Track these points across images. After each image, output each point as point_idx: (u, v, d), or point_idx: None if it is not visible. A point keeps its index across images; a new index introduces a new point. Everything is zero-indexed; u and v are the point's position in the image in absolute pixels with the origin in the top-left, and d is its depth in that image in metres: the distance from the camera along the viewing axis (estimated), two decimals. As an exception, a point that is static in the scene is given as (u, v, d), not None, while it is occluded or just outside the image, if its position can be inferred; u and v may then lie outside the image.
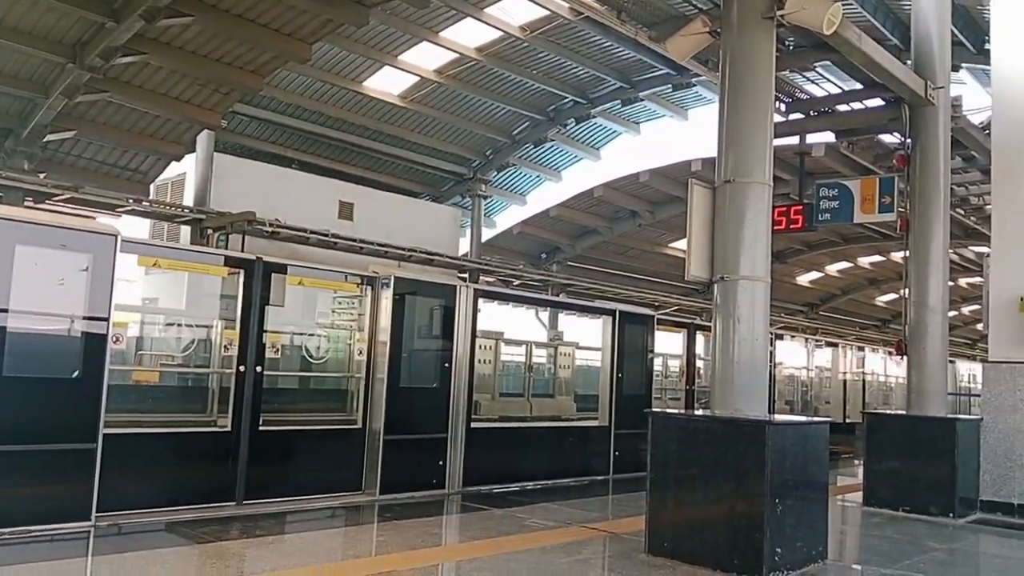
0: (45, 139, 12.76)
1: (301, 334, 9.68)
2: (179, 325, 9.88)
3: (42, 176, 12.34)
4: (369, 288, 8.77)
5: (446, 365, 9.08)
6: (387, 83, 17.02)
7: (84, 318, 6.51)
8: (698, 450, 6.10)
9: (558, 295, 17.56)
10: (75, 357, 6.48)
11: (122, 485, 6.76)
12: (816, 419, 8.50)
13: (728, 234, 6.28)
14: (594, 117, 19.76)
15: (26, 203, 11.21)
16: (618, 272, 22.56)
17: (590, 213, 21.41)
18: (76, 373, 6.46)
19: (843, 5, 13.35)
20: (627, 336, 11.33)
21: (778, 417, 6.63)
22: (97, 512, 6.51)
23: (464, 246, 19.92)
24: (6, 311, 6.10)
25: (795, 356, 19.15)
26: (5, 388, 6.09)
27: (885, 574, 6.24)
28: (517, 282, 17.88)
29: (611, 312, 11.37)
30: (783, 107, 9.42)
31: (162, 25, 11.23)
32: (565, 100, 19.06)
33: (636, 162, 21.21)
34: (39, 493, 6.29)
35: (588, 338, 13.33)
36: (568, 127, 20.13)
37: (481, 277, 17.04)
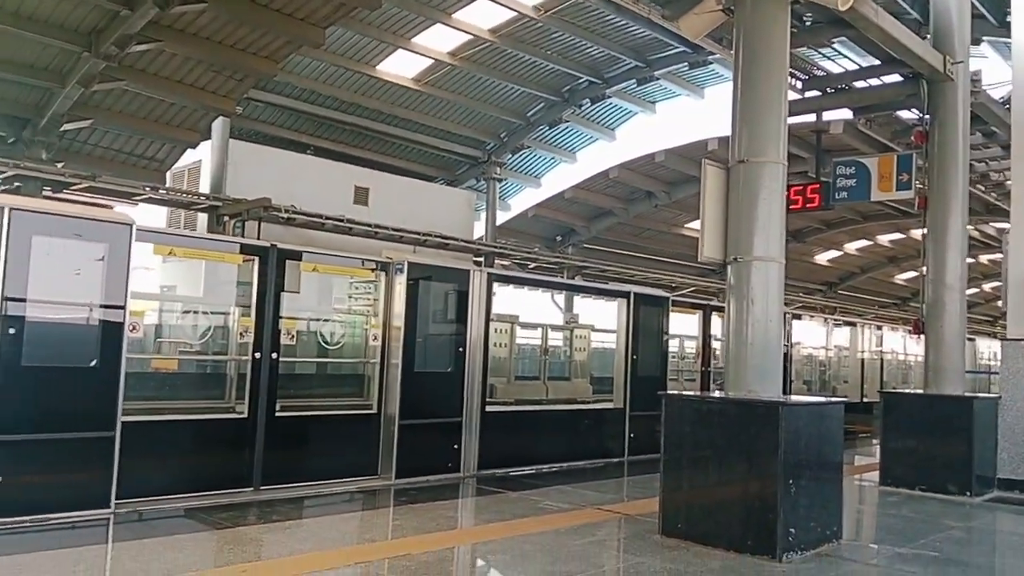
0: (62, 128, 12.84)
1: (317, 320, 9.73)
2: (197, 312, 9.96)
3: (60, 165, 12.44)
4: (383, 273, 8.79)
5: (460, 349, 9.10)
6: (401, 66, 16.96)
7: (101, 307, 6.57)
8: (712, 431, 6.10)
9: (573, 278, 17.52)
10: (93, 346, 6.55)
11: (141, 472, 6.84)
12: (830, 399, 8.45)
13: (742, 215, 6.22)
14: (609, 97, 19.58)
15: (44, 193, 11.34)
16: (634, 254, 22.48)
17: (605, 194, 21.32)
18: (94, 362, 6.53)
19: (860, -21, 13.20)
20: (642, 318, 11.30)
21: (792, 398, 6.61)
22: (116, 499, 6.60)
23: (479, 230, 19.92)
24: (24, 301, 6.17)
25: (813, 336, 19.04)
26: (24, 378, 6.17)
27: (900, 553, 6.22)
28: (532, 265, 17.88)
29: (626, 294, 11.34)
30: (799, 84, 9.30)
31: (176, 12, 11.24)
32: (580, 80, 18.90)
33: (652, 142, 21.09)
34: (59, 481, 6.38)
35: (604, 320, 13.32)
36: (583, 108, 19.96)
37: (496, 260, 17.05)
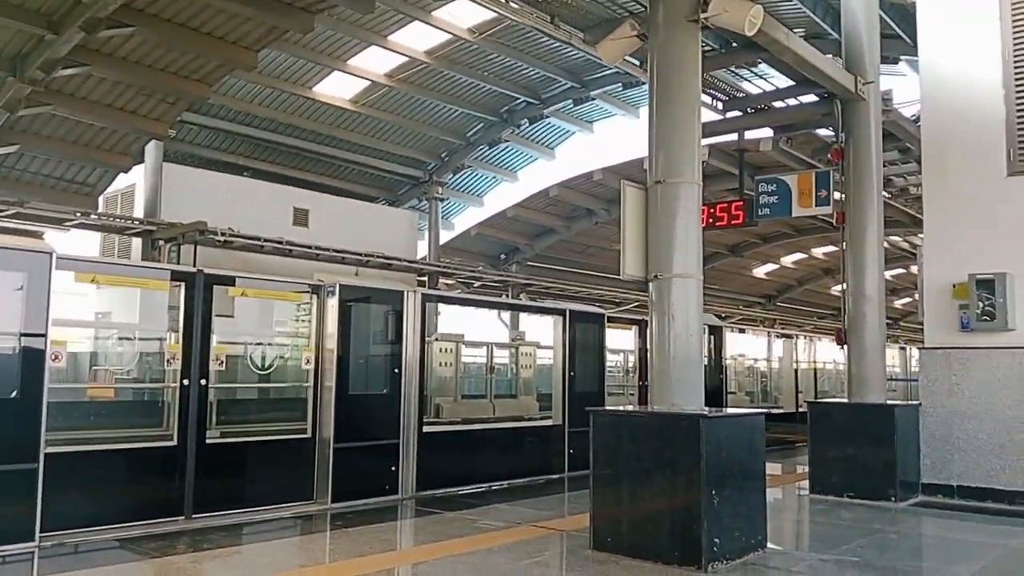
0: (-14, 154, 12.58)
1: (253, 344, 9.65)
2: (132, 339, 9.80)
3: (-15, 192, 12.16)
4: (315, 297, 8.78)
5: (396, 370, 9.12)
6: (337, 88, 16.99)
7: (20, 335, 6.46)
8: (637, 445, 6.23)
9: (519, 295, 17.63)
10: (12, 377, 6.42)
11: (67, 504, 6.72)
12: (750, 410, 8.69)
13: (661, 233, 6.40)
14: (547, 117, 19.92)
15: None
16: (577, 270, 22.73)
17: (547, 212, 21.55)
18: (14, 393, 6.40)
19: (783, 1, 13.69)
20: (578, 335, 11.45)
21: (712, 410, 6.77)
22: (42, 532, 6.45)
23: (423, 249, 19.94)
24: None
25: (754, 348, 19.48)
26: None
27: (823, 559, 6.41)
28: (477, 284, 17.94)
29: (561, 311, 11.49)
30: (720, 105, 9.60)
31: (103, 36, 11.13)
32: (518, 101, 19.17)
33: (591, 160, 21.34)
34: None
35: (549, 338, 13.45)
36: (522, 127, 20.26)
37: (441, 280, 17.09)
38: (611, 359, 14.00)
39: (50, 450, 6.60)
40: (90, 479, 7.12)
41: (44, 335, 6.56)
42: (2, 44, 11.04)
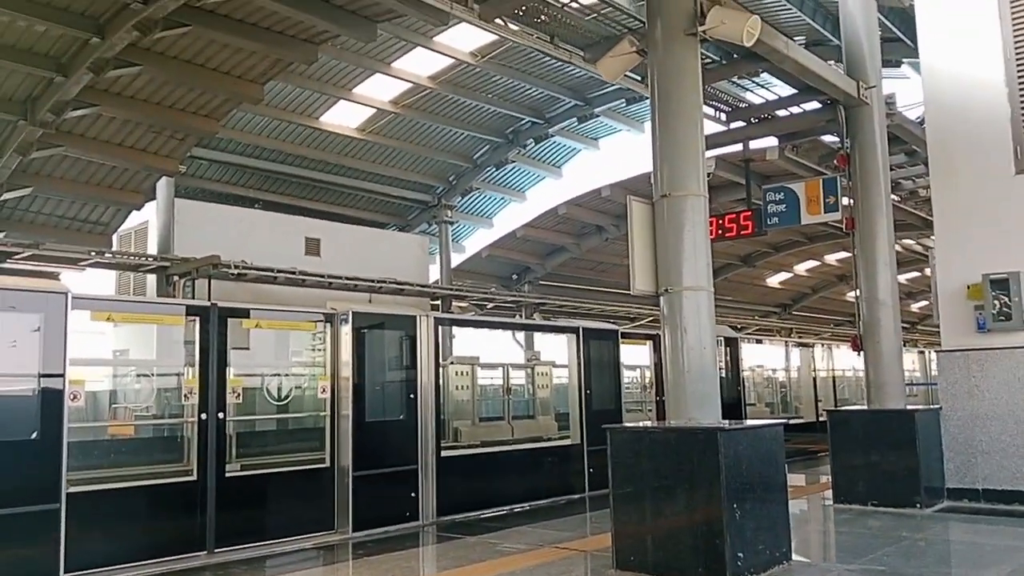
0: (1, 198, 12.75)
1: (269, 375, 9.69)
2: (150, 375, 9.86)
3: (1, 235, 12.32)
4: (328, 325, 8.82)
5: (412, 396, 9.13)
6: (343, 117, 17.15)
7: (40, 376, 6.52)
8: (656, 461, 6.18)
9: (532, 315, 17.61)
10: (32, 418, 6.48)
11: (90, 543, 6.77)
12: (769, 422, 8.61)
13: (669, 247, 6.39)
14: (552, 136, 19.99)
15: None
16: (590, 288, 22.71)
17: (556, 231, 21.59)
18: (34, 434, 6.45)
19: (782, 10, 13.74)
20: (592, 352, 11.43)
21: (730, 423, 6.72)
22: (65, 572, 6.49)
23: (435, 273, 20.00)
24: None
25: (771, 358, 19.34)
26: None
27: (849, 570, 6.32)
28: (491, 305, 17.94)
29: (575, 329, 11.48)
30: (723, 116, 9.61)
31: (111, 76, 11.31)
32: (522, 121, 19.26)
33: (598, 177, 21.35)
34: (3, 558, 6.25)
35: (564, 356, 13.43)
36: (528, 148, 20.34)
37: (453, 303, 17.11)
38: (627, 375, 13.94)
39: (72, 490, 6.63)
40: (112, 517, 7.15)
41: (62, 375, 6.62)
42: (13, 88, 11.24)
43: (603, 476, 10.68)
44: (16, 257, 11.53)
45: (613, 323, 13.70)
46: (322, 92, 16.00)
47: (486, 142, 19.69)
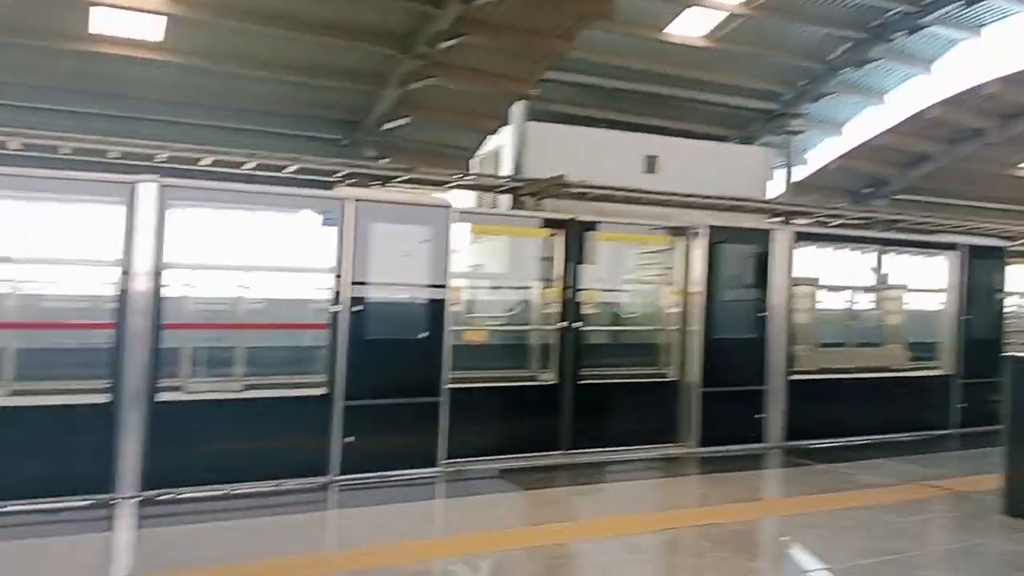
0: (384, 127, 14.39)
1: (612, 290, 9.94)
2: (502, 288, 10.63)
3: (384, 161, 13.97)
4: (679, 239, 8.75)
5: (761, 314, 8.82)
6: (690, 26, 16.60)
7: (427, 285, 7.25)
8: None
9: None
10: (422, 320, 7.26)
11: (461, 435, 7.33)
12: None
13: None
14: (927, 26, 17.31)
15: (371, 186, 12.84)
16: (956, 203, 20.01)
17: (922, 136, 19.20)
18: (424, 334, 7.26)
19: None
20: (974, 273, 10.09)
21: None
22: (442, 459, 7.20)
23: (774, 189, 18.93)
24: (365, 284, 7.01)
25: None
26: (368, 350, 6.99)
27: None
28: (837, 223, 16.62)
29: (953, 246, 10.19)
30: None
31: (478, 4, 11.97)
32: (893, 11, 16.91)
33: (977, 72, 18.29)
34: (396, 442, 7.12)
35: (919, 279, 12.07)
36: (894, 41, 17.90)
37: (795, 220, 16.10)
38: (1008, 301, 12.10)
39: (450, 386, 7.40)
40: (480, 413, 7.75)
41: (445, 284, 7.32)
42: (393, 24, 12.45)
43: (978, 412, 9.61)
44: (396, 181, 13.11)
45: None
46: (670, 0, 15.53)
47: (845, 39, 17.75)
